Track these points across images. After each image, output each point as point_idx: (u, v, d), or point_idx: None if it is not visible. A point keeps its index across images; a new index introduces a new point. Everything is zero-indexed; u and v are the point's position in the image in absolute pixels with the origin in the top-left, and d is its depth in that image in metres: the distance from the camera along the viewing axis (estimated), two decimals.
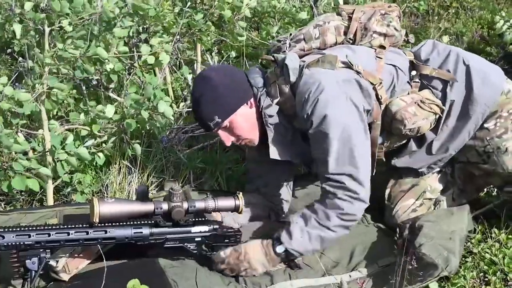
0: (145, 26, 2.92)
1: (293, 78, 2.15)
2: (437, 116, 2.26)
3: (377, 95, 2.20)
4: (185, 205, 2.06)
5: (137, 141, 2.69)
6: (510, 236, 2.31)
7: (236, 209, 2.14)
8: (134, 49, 2.93)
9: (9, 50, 3.93)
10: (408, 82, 2.30)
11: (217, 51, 3.85)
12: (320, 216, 2.07)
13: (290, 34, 2.36)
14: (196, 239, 2.11)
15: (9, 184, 2.51)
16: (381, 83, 2.20)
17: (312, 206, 2.12)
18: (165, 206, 2.03)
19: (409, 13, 4.78)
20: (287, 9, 3.72)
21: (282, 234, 2.10)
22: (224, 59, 3.74)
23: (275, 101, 2.21)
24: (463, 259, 2.23)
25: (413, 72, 2.31)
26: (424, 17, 4.79)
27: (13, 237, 1.88)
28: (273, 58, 2.27)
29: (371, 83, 2.18)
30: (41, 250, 1.93)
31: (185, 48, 3.91)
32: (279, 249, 2.09)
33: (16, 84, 3.15)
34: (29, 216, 2.44)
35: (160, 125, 2.53)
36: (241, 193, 2.16)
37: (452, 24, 4.58)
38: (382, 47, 2.32)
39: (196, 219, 2.12)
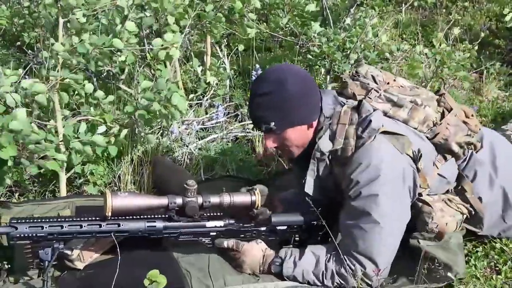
0: (157, 18, 2.92)
1: (365, 135, 2.01)
2: (464, 216, 2.18)
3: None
4: (200, 200, 2.02)
5: (149, 131, 2.70)
6: None
7: (252, 205, 2.07)
8: (145, 41, 2.94)
9: (18, 43, 3.96)
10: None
11: (226, 43, 3.86)
12: (327, 276, 2.02)
13: (382, 80, 2.21)
14: (211, 233, 2.09)
15: (21, 174, 2.54)
16: (426, 189, 2.11)
17: (330, 258, 2.03)
18: (179, 201, 2.00)
19: (417, 6, 4.78)
20: (295, 1, 3.72)
21: (288, 259, 2.05)
22: (233, 52, 3.76)
23: (334, 146, 2.05)
24: (474, 248, 2.26)
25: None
26: (432, 10, 4.79)
27: (26, 228, 1.89)
28: (356, 100, 2.12)
29: (420, 187, 2.09)
30: (54, 241, 1.94)
31: (195, 40, 3.94)
32: (275, 268, 2.05)
33: (26, 76, 3.17)
34: (42, 207, 2.43)
35: (172, 117, 2.52)
36: (257, 188, 2.11)
37: (461, 17, 4.58)
38: (452, 152, 2.19)
39: (211, 214, 2.10)
